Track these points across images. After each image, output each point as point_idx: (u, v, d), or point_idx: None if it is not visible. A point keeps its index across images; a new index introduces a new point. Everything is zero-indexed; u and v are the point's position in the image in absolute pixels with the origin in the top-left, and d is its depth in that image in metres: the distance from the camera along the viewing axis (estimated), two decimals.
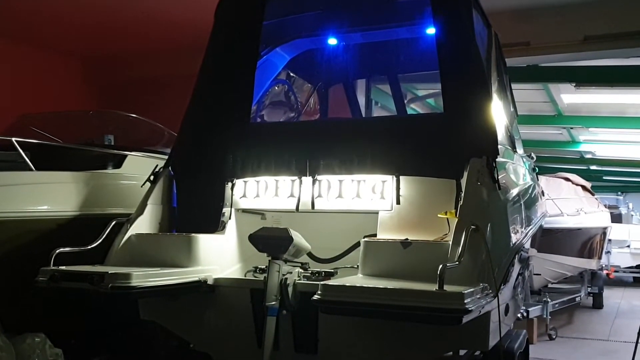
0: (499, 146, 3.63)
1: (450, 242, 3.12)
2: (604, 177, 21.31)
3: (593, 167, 19.16)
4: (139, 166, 4.94)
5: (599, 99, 11.13)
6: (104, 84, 10.21)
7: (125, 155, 5.03)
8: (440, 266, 2.67)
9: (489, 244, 3.10)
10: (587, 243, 10.14)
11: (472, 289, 2.74)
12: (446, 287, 2.65)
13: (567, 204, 9.28)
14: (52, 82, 9.58)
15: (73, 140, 5.12)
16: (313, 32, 5.25)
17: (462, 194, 3.35)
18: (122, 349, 4.87)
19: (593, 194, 11.35)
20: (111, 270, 3.29)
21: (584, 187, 10.95)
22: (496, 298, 3.09)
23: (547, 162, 16.97)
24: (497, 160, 3.45)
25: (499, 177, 3.41)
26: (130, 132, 5.89)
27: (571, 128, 13.49)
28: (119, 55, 9.87)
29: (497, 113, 3.98)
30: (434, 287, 2.66)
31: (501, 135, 3.95)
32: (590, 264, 10.59)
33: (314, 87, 6.16)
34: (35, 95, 8.80)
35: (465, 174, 3.39)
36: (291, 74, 5.94)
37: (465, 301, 2.59)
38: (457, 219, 3.23)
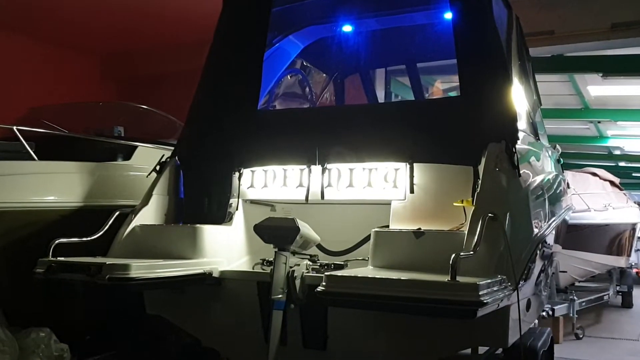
0: (520, 132, 3.43)
1: (466, 232, 2.92)
2: (634, 174, 20.71)
3: (622, 164, 18.62)
4: (149, 158, 4.80)
5: (628, 90, 10.74)
6: (122, 79, 10.18)
7: (136, 147, 4.92)
8: (453, 255, 2.47)
9: (507, 234, 2.90)
10: (616, 240, 9.82)
11: (488, 281, 2.54)
12: (460, 279, 2.46)
13: (594, 199, 9.00)
14: (70, 79, 9.56)
15: (82, 132, 5.02)
16: (326, 19, 5.08)
17: (480, 182, 3.15)
18: (130, 344, 4.76)
19: (622, 189, 11.00)
20: (109, 261, 3.17)
21: (612, 182, 10.63)
22: (516, 292, 2.89)
23: (573, 159, 16.51)
24: (517, 146, 3.25)
25: (519, 164, 3.20)
26: (142, 123, 5.80)
27: (598, 122, 13.08)
28: (137, 52, 9.83)
29: (518, 97, 3.77)
30: (446, 279, 2.48)
31: (522, 120, 3.74)
32: (619, 262, 10.28)
33: (330, 78, 5.99)
34: (53, 93, 8.78)
35: (483, 160, 3.20)
36: (305, 64, 5.78)
37: (480, 293, 2.40)
38: (473, 208, 3.03)
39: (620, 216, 9.69)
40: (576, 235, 7.72)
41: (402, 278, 2.56)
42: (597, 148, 16.54)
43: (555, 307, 7.65)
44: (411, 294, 2.46)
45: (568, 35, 7.57)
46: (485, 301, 2.40)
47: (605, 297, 9.71)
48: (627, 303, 11.09)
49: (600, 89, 10.78)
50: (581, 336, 8.00)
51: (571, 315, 8.00)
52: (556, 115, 12.21)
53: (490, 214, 2.87)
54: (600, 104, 12.01)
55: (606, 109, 12.18)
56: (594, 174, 10.20)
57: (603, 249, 9.46)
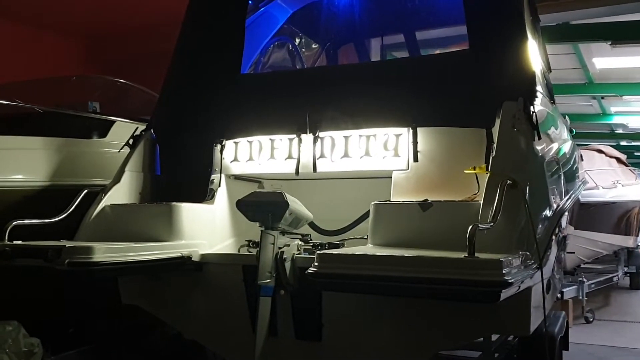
0: (537, 92, 3.02)
1: (481, 202, 2.52)
2: (636, 153, 20.35)
3: (623, 143, 18.26)
4: (128, 134, 4.42)
5: (635, 62, 10.31)
6: (107, 61, 9.73)
7: (112, 122, 4.50)
8: (470, 227, 2.07)
9: (528, 204, 2.50)
10: (624, 218, 9.47)
11: (511, 257, 2.14)
12: (478, 255, 2.05)
13: (602, 177, 8.64)
14: (53, 62, 9.12)
15: (52, 107, 4.59)
16: None
17: (495, 145, 2.74)
18: (110, 337, 4.37)
19: (628, 166, 10.63)
20: (70, 244, 2.77)
21: (618, 159, 10.26)
22: (539, 271, 2.49)
23: (574, 138, 16.15)
24: (535, 104, 2.84)
25: (539, 125, 2.80)
26: (120, 99, 5.38)
27: (602, 97, 12.66)
28: (121, 32, 9.39)
29: (533, 53, 3.35)
30: (461, 255, 2.07)
31: (538, 79, 3.32)
32: (627, 242, 9.93)
33: (322, 47, 5.56)
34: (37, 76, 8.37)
35: (498, 121, 2.79)
36: (296, 32, 5.35)
37: (504, 271, 1.99)
38: (489, 174, 2.62)
39: (630, 193, 9.32)
40: (583, 214, 7.36)
41: (409, 255, 2.15)
42: (600, 126, 16.18)
43: (564, 290, 7.30)
44: (420, 273, 2.05)
45: (574, 1, 7.14)
46: (510, 281, 1.99)
47: (615, 279, 9.38)
48: (635, 284, 10.75)
49: (606, 61, 10.36)
50: (591, 320, 7.68)
51: (580, 298, 7.65)
52: (559, 90, 11.68)
53: (509, 181, 2.47)
54: (604, 78, 11.61)
55: (611, 82, 11.76)
56: (600, 151, 9.83)
57: (611, 228, 9.12)
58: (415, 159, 3.05)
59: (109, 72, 9.56)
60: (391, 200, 3.02)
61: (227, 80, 3.58)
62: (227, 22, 3.76)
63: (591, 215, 8.12)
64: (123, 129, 4.49)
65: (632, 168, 10.73)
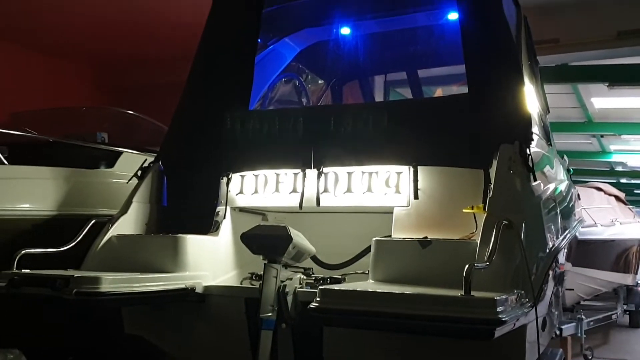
0: (533, 134, 3.13)
1: (479, 241, 2.60)
2: (635, 191, 20.43)
3: (623, 180, 18.36)
4: (135, 165, 4.50)
5: (632, 102, 10.49)
6: (116, 89, 9.90)
7: (120, 153, 4.61)
8: (467, 266, 2.15)
9: (524, 243, 2.58)
10: (622, 256, 9.48)
11: (505, 296, 2.22)
12: (474, 293, 2.13)
13: (600, 214, 8.67)
14: (63, 89, 9.28)
15: (62, 138, 4.70)
16: (323, 21, 4.82)
17: (492, 186, 2.84)
18: None
19: (627, 204, 10.69)
20: (78, 273, 2.84)
21: (617, 197, 10.32)
22: (534, 309, 2.56)
23: (574, 175, 16.24)
24: (531, 147, 2.94)
25: (535, 167, 2.90)
26: (128, 130, 5.49)
27: (601, 136, 12.82)
28: (130, 61, 9.58)
29: (530, 97, 3.47)
30: (458, 293, 2.15)
31: (534, 122, 3.43)
32: (626, 279, 9.92)
33: (327, 84, 5.70)
34: (45, 103, 8.51)
35: (495, 163, 2.89)
36: (302, 69, 5.50)
37: (498, 309, 2.07)
38: (485, 214, 2.71)
39: (628, 231, 9.37)
40: (583, 251, 7.40)
41: (407, 292, 2.23)
42: (599, 164, 16.28)
43: (562, 327, 7.28)
44: (419, 310, 2.12)
45: (573, 44, 7.35)
46: (503, 319, 2.07)
47: (614, 316, 9.34)
48: (635, 322, 10.70)
49: (604, 101, 10.54)
50: (590, 357, 7.65)
51: (579, 335, 7.62)
52: (559, 128, 11.94)
53: (504, 221, 2.56)
54: (603, 117, 11.77)
55: (610, 122, 11.92)
56: (599, 189, 9.90)
57: (609, 265, 9.11)
58: (416, 197, 3.12)
59: (121, 100, 9.80)
60: (392, 236, 3.10)
61: (235, 115, 3.68)
62: (238, 58, 3.88)
63: (590, 252, 8.15)
64: (130, 160, 4.59)
65: (630, 206, 10.80)
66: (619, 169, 16.78)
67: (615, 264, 9.32)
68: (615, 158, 15.21)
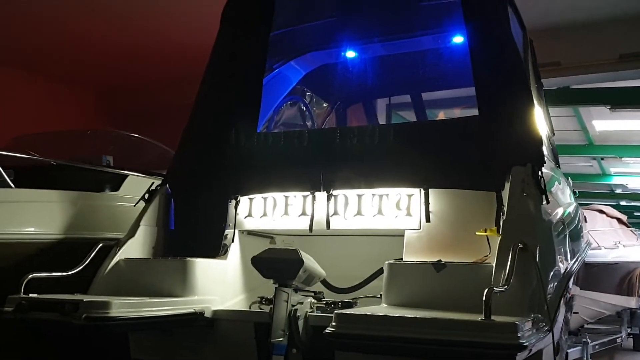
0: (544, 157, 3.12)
1: (494, 264, 2.57)
2: (635, 214, 20.42)
3: (623, 203, 18.34)
4: (140, 188, 4.47)
5: (634, 125, 10.53)
6: (120, 114, 9.91)
7: (125, 176, 4.59)
8: (486, 290, 2.12)
9: (539, 266, 2.56)
10: (626, 279, 9.42)
11: (525, 320, 2.18)
12: (494, 317, 2.10)
13: (603, 237, 8.62)
14: (66, 114, 9.30)
15: (67, 161, 4.68)
16: (328, 44, 4.84)
17: (505, 208, 2.82)
18: None
19: (629, 227, 10.67)
20: (87, 298, 2.79)
21: (619, 220, 10.29)
22: (550, 333, 2.53)
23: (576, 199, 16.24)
24: (543, 170, 2.93)
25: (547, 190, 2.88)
26: (133, 153, 5.48)
27: (602, 159, 12.84)
28: (132, 86, 9.62)
29: (539, 119, 3.47)
30: (475, 317, 2.12)
31: (545, 143, 3.43)
32: (630, 302, 9.82)
33: (332, 107, 5.71)
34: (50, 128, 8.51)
35: (507, 185, 2.87)
36: (307, 92, 5.52)
37: (519, 334, 2.03)
38: (499, 237, 2.69)
39: (632, 254, 9.34)
40: (587, 274, 7.35)
41: (428, 317, 2.19)
42: (600, 187, 16.29)
43: (568, 351, 7.20)
44: (438, 335, 2.09)
45: (575, 67, 7.39)
46: (524, 344, 2.03)
47: (618, 340, 9.25)
48: (639, 346, 10.60)
49: (605, 124, 10.57)
50: None
51: (585, 358, 7.53)
52: (560, 151, 11.91)
53: (520, 244, 2.53)
54: (604, 140, 11.80)
55: (611, 145, 11.95)
56: (601, 211, 9.88)
57: (613, 289, 9.05)
58: (428, 219, 3.10)
59: (130, 123, 9.82)
60: (404, 259, 3.07)
61: (243, 138, 3.67)
62: (246, 81, 3.88)
63: (594, 275, 8.08)
64: (136, 183, 4.58)
65: (632, 229, 10.77)
66: (619, 191, 16.77)
67: (619, 287, 9.25)
68: (615, 180, 15.22)
